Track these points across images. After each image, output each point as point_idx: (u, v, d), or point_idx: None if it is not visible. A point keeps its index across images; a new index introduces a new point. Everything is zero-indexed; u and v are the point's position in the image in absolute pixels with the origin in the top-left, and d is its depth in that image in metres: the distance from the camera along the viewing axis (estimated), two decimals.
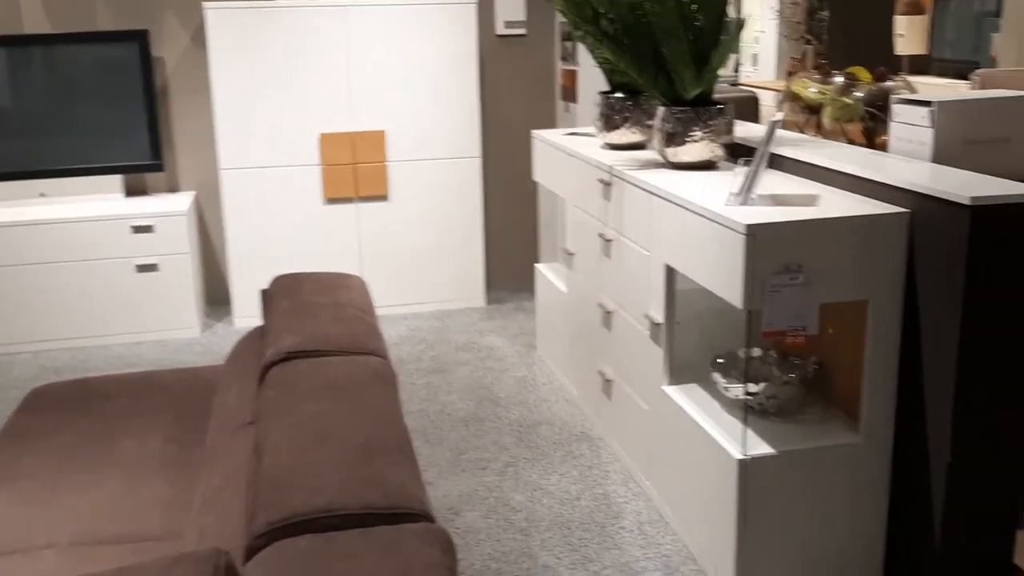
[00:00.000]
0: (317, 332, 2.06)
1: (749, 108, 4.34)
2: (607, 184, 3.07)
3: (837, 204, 2.33)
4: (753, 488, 2.31)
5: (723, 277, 2.27)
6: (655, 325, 2.74)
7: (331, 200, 4.59)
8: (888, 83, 2.98)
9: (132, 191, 4.73)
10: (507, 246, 5.15)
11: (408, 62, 4.54)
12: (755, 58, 10.10)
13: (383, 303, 4.75)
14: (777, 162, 2.83)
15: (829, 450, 2.34)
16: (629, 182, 2.87)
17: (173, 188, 4.80)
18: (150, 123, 4.51)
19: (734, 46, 2.91)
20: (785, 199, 2.39)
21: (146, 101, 4.49)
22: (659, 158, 3.04)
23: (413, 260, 4.75)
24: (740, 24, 2.98)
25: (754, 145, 2.96)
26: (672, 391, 2.70)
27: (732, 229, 2.21)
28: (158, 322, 4.44)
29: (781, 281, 2.18)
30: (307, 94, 4.46)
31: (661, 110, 2.86)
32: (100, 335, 4.41)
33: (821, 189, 2.52)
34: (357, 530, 1.28)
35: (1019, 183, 2.19)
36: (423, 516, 1.33)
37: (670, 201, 2.56)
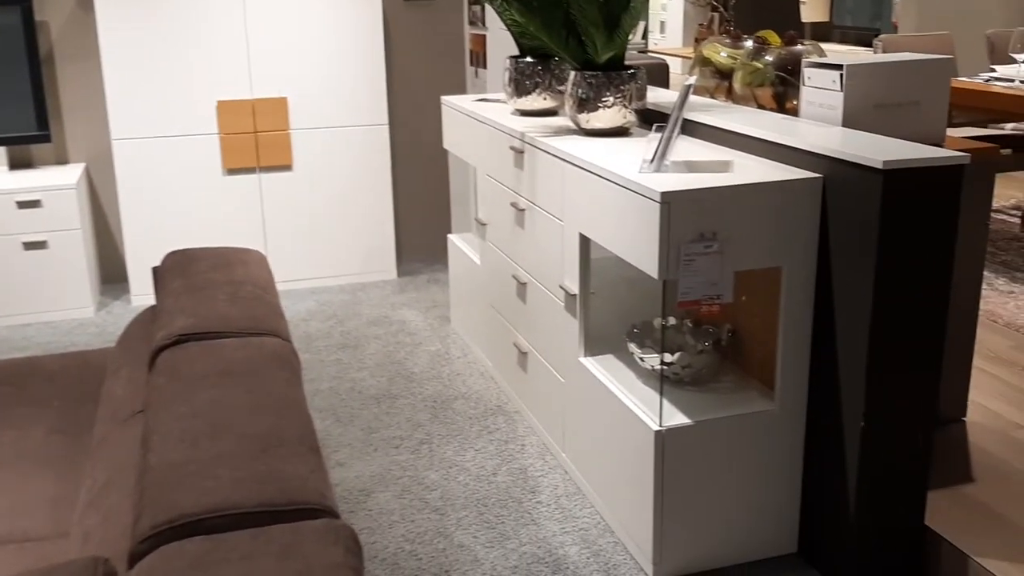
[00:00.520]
0: (211, 312, 1.93)
1: (660, 75, 4.30)
2: (519, 152, 2.98)
3: (750, 170, 2.29)
4: (670, 459, 2.27)
5: (638, 246, 2.22)
6: (570, 296, 2.68)
7: (231, 170, 4.40)
8: (798, 47, 2.96)
9: (17, 164, 4.44)
10: (419, 216, 5.03)
11: (310, 25, 4.36)
12: (663, 25, 10.09)
13: (289, 278, 4.59)
14: (690, 128, 2.78)
15: (744, 418, 2.32)
16: (541, 149, 2.79)
17: (62, 160, 4.52)
18: (35, 92, 4.23)
19: (644, 9, 2.84)
20: (699, 165, 2.34)
21: (30, 69, 4.20)
22: (571, 125, 2.96)
23: (320, 232, 4.59)
24: None
25: (667, 111, 2.91)
26: (588, 362, 2.64)
27: (646, 197, 2.15)
28: (48, 302, 4.20)
29: (696, 250, 2.14)
30: (203, 59, 4.24)
31: (572, 75, 2.78)
32: None
33: (734, 155, 2.49)
34: (251, 530, 1.18)
35: (930, 147, 2.18)
36: (325, 512, 1.24)
37: (583, 169, 2.49)
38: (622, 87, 2.73)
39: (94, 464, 1.79)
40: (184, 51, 4.20)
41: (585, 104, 2.76)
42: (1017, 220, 4.90)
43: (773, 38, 3.05)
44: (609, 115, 2.75)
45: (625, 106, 2.76)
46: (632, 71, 2.74)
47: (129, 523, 1.41)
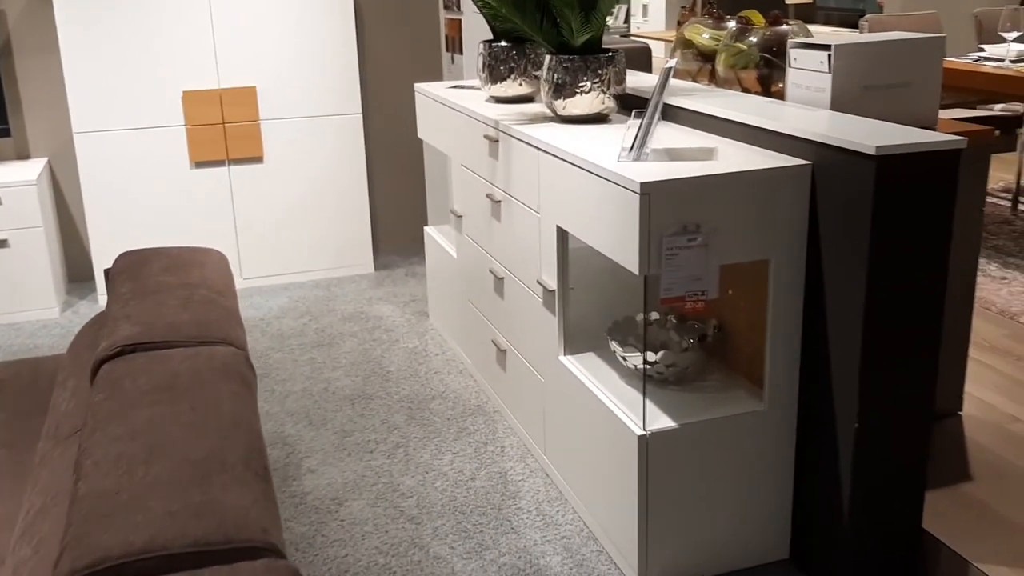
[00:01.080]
0: (159, 319, 1.80)
1: (642, 59, 4.17)
2: (493, 140, 2.85)
3: (735, 158, 2.16)
4: (655, 464, 2.16)
5: (617, 240, 2.09)
6: (548, 292, 2.55)
7: (199, 163, 4.24)
8: (783, 27, 2.83)
9: None
10: (396, 207, 4.89)
11: (279, 10, 4.20)
12: (645, 8, 9.95)
13: (262, 273, 4.45)
14: (671, 113, 2.66)
15: (732, 420, 2.20)
16: (516, 138, 2.65)
17: (23, 155, 4.36)
18: None
19: None
20: (681, 153, 2.21)
21: None
22: (547, 111, 2.83)
23: (293, 226, 4.44)
24: None
25: (648, 96, 2.78)
26: (568, 361, 2.52)
27: (625, 188, 2.02)
28: (10, 303, 4.04)
29: (678, 243, 2.01)
30: (167, 47, 4.08)
31: (547, 59, 2.65)
32: None
33: (718, 141, 2.36)
34: (184, 573, 1.05)
35: (923, 130, 2.06)
36: (268, 550, 1.11)
37: (558, 158, 2.36)
38: (600, 71, 2.60)
39: (32, 486, 1.66)
40: (147, 39, 4.04)
41: (561, 90, 2.63)
42: (1007, 203, 4.80)
43: (757, 18, 2.92)
44: (586, 101, 2.62)
45: (603, 91, 2.63)
46: (610, 54, 2.61)
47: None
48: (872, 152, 1.91)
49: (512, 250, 2.81)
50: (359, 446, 2.96)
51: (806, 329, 2.18)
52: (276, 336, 3.85)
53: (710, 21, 3.11)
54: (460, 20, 4.32)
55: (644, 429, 2.14)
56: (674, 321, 2.54)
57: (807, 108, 2.35)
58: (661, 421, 2.18)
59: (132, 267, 2.17)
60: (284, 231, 4.43)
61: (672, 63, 2.27)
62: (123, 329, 1.76)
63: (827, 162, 2.05)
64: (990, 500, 2.32)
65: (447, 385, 3.36)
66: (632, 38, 6.76)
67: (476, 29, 4.07)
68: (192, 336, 1.74)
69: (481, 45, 3.10)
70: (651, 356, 2.33)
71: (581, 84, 2.61)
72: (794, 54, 2.46)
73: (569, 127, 2.62)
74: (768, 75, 2.82)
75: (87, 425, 1.47)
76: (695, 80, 3.14)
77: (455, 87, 3.54)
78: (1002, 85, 4.12)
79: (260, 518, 1.15)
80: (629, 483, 2.20)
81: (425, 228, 3.86)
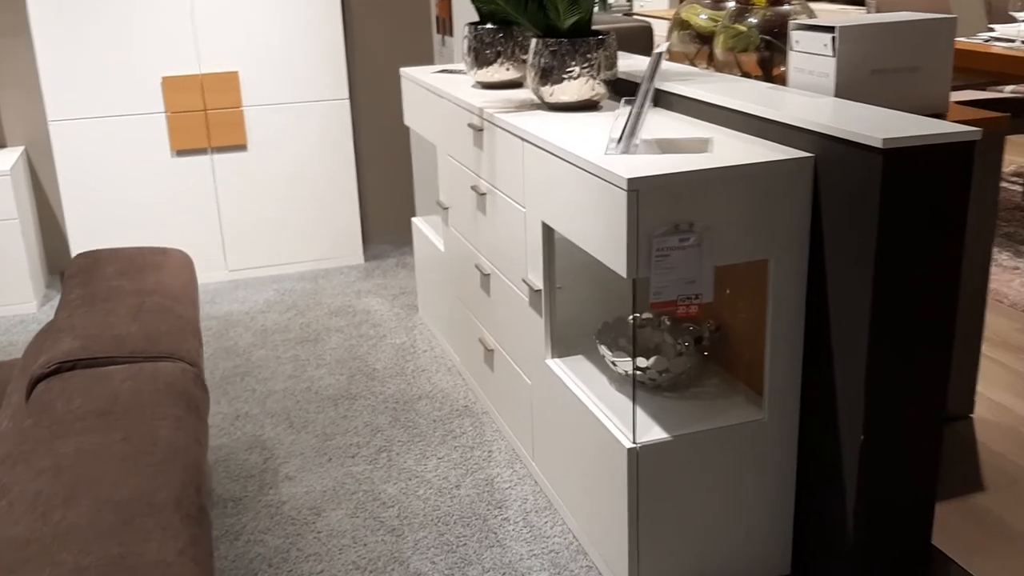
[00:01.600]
0: (105, 332, 1.66)
1: (643, 39, 4.00)
2: (478, 129, 2.70)
3: (732, 149, 2.01)
4: (646, 478, 2.02)
5: (604, 240, 1.95)
6: (534, 292, 2.41)
7: (180, 152, 4.09)
8: (785, 7, 2.67)
9: None
10: (386, 196, 4.74)
11: None
12: None
13: (248, 265, 4.31)
14: (665, 100, 2.50)
15: (730, 430, 2.06)
16: (500, 127, 2.50)
17: None
18: None
19: None
20: (673, 145, 2.06)
21: None
22: (535, 98, 2.68)
23: (279, 216, 4.30)
24: None
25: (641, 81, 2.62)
26: (555, 364, 2.38)
27: (611, 183, 1.87)
28: None
29: (670, 243, 1.87)
30: (145, 31, 3.92)
31: (533, 43, 2.49)
32: None
33: (714, 131, 2.21)
34: None
35: (935, 120, 1.91)
36: None
37: (543, 149, 2.21)
38: (589, 55, 2.44)
39: None
40: (124, 22, 3.88)
41: (548, 75, 2.47)
42: (1019, 188, 4.64)
43: None
44: (575, 87, 2.47)
45: (593, 77, 2.47)
46: (600, 37, 2.45)
47: None
48: (879, 145, 1.75)
49: (498, 245, 2.66)
50: (340, 450, 2.83)
51: (808, 334, 2.04)
52: (260, 332, 3.72)
53: (708, 1, 2.94)
54: (451, 1, 4.15)
55: (634, 442, 2.00)
56: (668, 323, 2.39)
57: (810, 95, 2.19)
58: (653, 432, 2.04)
59: (86, 270, 2.03)
60: (270, 221, 4.28)
61: (663, 48, 2.12)
62: (63, 343, 1.62)
63: (831, 155, 1.90)
64: (1004, 512, 2.18)
65: (434, 384, 3.22)
66: (634, 16, 6.58)
67: (468, 10, 3.90)
68: (138, 351, 1.60)
69: (466, 28, 2.94)
70: (642, 362, 2.19)
71: (569, 69, 2.45)
72: (796, 36, 2.30)
73: (557, 115, 2.47)
74: (769, 58, 2.66)
75: (11, 456, 1.33)
76: (692, 63, 2.98)
77: (442, 71, 3.38)
78: (1013, 66, 3.95)
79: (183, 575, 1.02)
80: (619, 497, 2.07)
81: (413, 219, 3.72)
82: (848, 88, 2.19)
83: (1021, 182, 4.70)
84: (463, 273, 3.05)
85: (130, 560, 1.03)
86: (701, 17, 2.93)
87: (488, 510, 2.50)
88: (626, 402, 2.19)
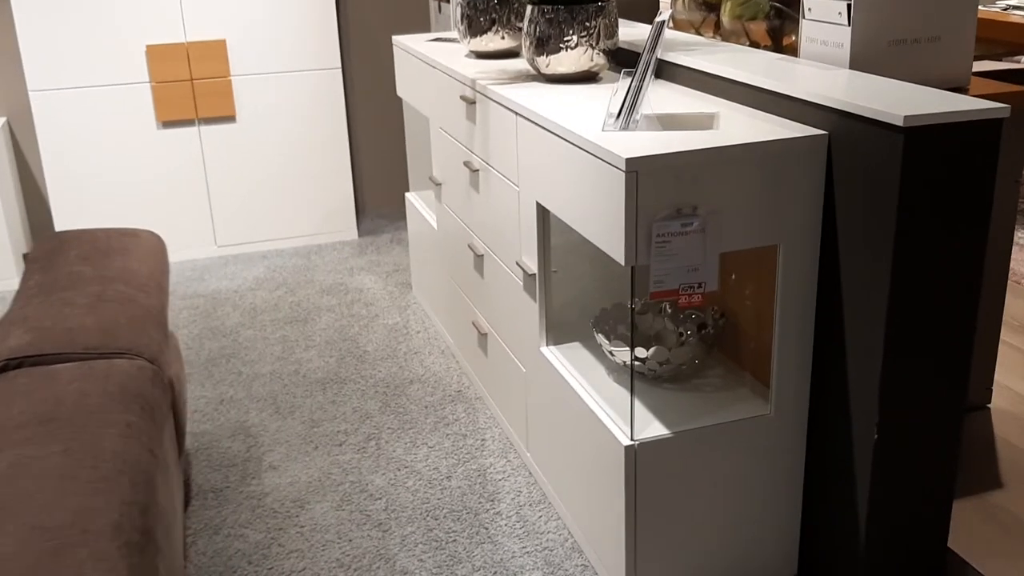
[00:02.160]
0: (58, 324, 1.53)
1: (646, 6, 3.83)
2: (470, 102, 2.55)
3: (739, 126, 1.87)
4: (644, 476, 1.90)
5: (601, 224, 1.81)
6: (528, 276, 2.28)
7: (167, 123, 3.95)
8: None
9: None
10: (381, 169, 4.59)
11: None
12: None
13: (238, 241, 4.18)
14: (668, 71, 2.35)
15: (734, 426, 1.93)
16: (493, 99, 2.36)
17: None
18: None
19: None
20: (676, 121, 1.92)
21: None
22: (530, 69, 2.53)
23: (270, 189, 4.16)
24: None
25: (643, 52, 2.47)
26: (550, 353, 2.26)
27: (609, 163, 1.74)
28: None
29: (671, 228, 1.73)
30: None
31: (529, 10, 2.34)
32: None
33: (720, 105, 2.06)
34: None
35: (957, 95, 1.76)
36: None
37: (537, 124, 2.07)
38: (587, 23, 2.29)
39: None
40: None
41: (544, 45, 2.32)
42: None
43: None
44: (573, 57, 2.32)
45: (592, 46, 2.32)
46: (599, 4, 2.30)
47: None
48: (899, 123, 1.61)
49: (491, 225, 2.53)
50: (327, 438, 2.71)
51: (820, 324, 1.91)
52: (248, 311, 3.60)
53: None
54: None
55: (632, 439, 1.88)
56: (669, 309, 2.26)
57: (823, 67, 2.05)
58: (652, 428, 1.92)
59: (49, 254, 1.90)
60: (261, 195, 4.15)
61: (666, 16, 1.97)
62: (12, 337, 1.49)
63: (846, 132, 1.76)
64: (1023, 512, 2.06)
65: (427, 367, 3.10)
66: None
67: None
68: (92, 347, 1.47)
69: None
70: (641, 352, 2.06)
71: (567, 38, 2.30)
72: (809, 3, 2.14)
73: (553, 87, 2.32)
74: (779, 27, 2.50)
75: None
76: (698, 32, 2.83)
77: (435, 40, 3.23)
78: None
79: None
80: (616, 496, 1.95)
81: (406, 194, 3.58)
82: (864, 59, 2.04)
83: None
84: (456, 253, 2.92)
85: None
86: None
87: (480, 503, 2.38)
88: (624, 394, 2.06)
